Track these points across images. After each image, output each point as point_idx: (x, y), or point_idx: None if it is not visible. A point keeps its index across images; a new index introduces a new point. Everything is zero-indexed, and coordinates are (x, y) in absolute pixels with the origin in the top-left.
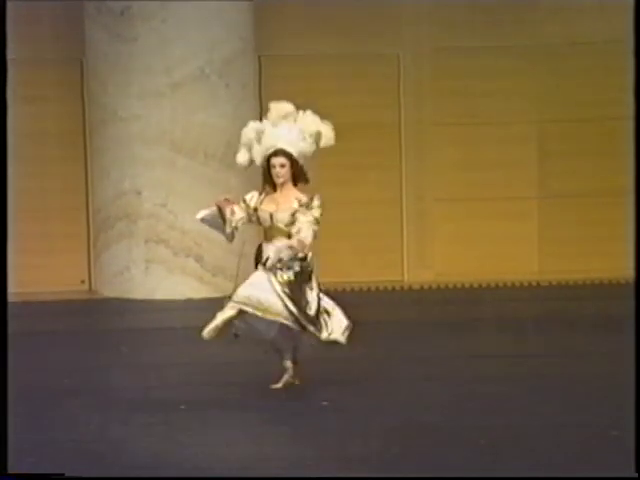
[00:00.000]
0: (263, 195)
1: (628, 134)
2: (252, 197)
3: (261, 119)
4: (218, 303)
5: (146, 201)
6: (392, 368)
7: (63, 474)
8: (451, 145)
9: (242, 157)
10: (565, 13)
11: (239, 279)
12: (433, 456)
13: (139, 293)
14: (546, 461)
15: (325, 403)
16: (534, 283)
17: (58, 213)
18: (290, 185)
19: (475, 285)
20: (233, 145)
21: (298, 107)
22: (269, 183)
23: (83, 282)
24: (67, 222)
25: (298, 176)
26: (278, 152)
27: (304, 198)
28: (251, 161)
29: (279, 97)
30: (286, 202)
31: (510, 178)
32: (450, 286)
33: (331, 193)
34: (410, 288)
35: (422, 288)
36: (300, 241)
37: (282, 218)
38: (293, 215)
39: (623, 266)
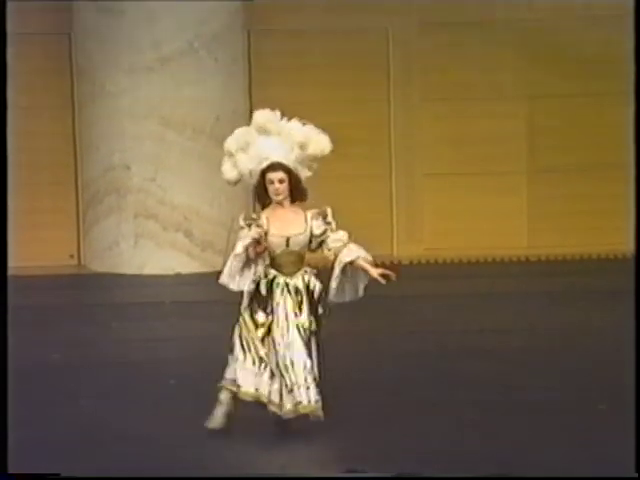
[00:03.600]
0: (264, 215)
1: (617, 108)
2: (262, 219)
3: (250, 94)
4: (208, 278)
5: (135, 176)
6: (380, 342)
7: (59, 474)
8: (440, 120)
9: (229, 172)
10: None
11: (228, 253)
12: (418, 430)
13: (128, 268)
14: (537, 437)
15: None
16: (523, 258)
17: (47, 187)
18: (289, 202)
19: (464, 260)
20: (222, 120)
21: (287, 82)
22: (264, 200)
23: (72, 257)
24: (56, 197)
25: (296, 192)
26: (276, 166)
27: (317, 212)
28: (240, 175)
29: (268, 72)
30: (297, 221)
31: (499, 153)
32: (439, 261)
33: (320, 168)
34: (399, 263)
35: (411, 263)
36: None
37: (300, 241)
38: (317, 235)
39: (612, 241)
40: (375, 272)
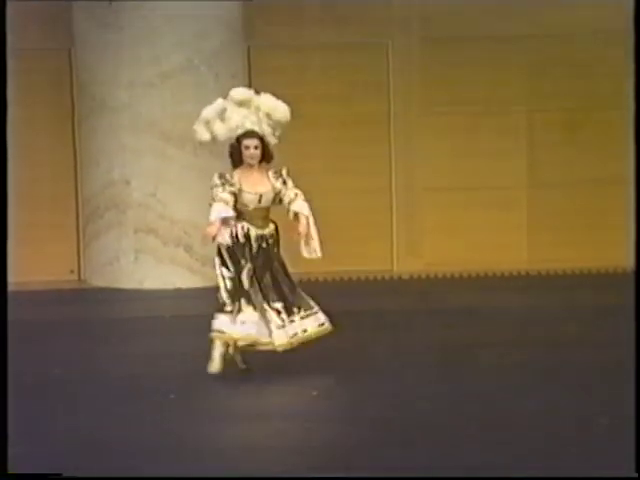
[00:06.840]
0: (237, 175)
1: (617, 123)
2: (233, 178)
3: None
4: (208, 292)
5: (135, 191)
6: (381, 357)
7: (60, 474)
8: (440, 135)
9: (203, 134)
10: (555, 3)
11: None
12: (420, 445)
13: (128, 283)
14: (536, 451)
15: (315, 393)
16: (523, 272)
17: (47, 202)
18: (257, 164)
19: (464, 274)
20: None
21: (288, 97)
22: (238, 161)
23: (72, 272)
24: (56, 211)
25: (266, 155)
26: (250, 134)
27: (275, 172)
28: (213, 138)
29: (269, 87)
30: (263, 180)
31: (499, 167)
32: (439, 275)
33: (321, 182)
34: (399, 277)
35: (411, 277)
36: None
37: (270, 198)
38: (277, 193)
39: (612, 255)
40: (301, 227)
